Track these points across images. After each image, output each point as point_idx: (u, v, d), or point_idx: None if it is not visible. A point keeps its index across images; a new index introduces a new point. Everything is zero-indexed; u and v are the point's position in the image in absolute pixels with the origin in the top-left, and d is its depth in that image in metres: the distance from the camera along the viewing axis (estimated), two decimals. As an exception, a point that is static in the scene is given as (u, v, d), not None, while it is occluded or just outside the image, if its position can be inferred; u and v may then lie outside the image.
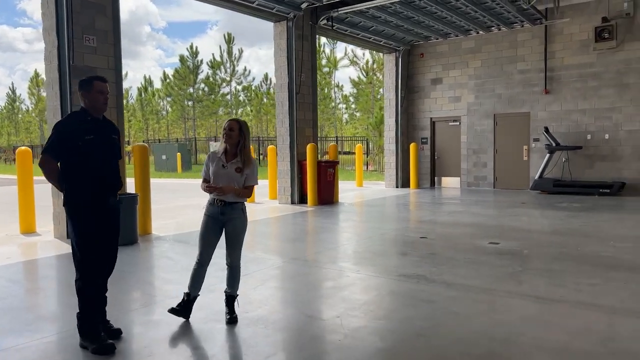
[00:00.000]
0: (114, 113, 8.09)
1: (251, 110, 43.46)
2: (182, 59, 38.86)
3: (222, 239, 3.98)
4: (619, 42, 12.63)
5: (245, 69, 43.24)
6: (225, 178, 3.88)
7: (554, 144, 13.32)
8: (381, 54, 17.91)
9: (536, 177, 13.62)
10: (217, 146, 4.05)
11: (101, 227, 3.57)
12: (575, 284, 4.76)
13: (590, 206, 10.62)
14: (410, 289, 4.73)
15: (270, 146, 13.82)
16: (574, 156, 13.55)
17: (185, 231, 8.23)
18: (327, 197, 11.83)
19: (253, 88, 42.91)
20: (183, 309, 3.97)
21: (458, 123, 15.66)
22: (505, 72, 14.63)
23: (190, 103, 38.84)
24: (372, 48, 15.62)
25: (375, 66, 33.78)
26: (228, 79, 38.85)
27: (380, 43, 15.10)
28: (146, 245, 7.20)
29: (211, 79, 38.18)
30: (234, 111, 41.12)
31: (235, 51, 38.40)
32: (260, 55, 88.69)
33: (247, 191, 4.03)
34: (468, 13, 12.81)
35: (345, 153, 27.11)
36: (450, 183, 16.01)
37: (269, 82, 42.67)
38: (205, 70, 39.61)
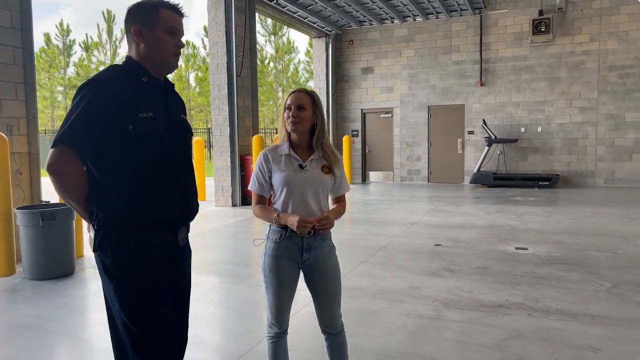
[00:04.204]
0: (21, 91, 5.77)
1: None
2: (47, 38, 33.48)
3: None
4: (553, 36, 12.80)
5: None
6: (309, 187, 2.31)
7: (493, 137, 13.18)
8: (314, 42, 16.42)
9: (475, 170, 13.39)
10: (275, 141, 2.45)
11: (170, 289, 1.84)
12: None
13: (547, 199, 10.47)
14: (535, 329, 3.55)
15: (197, 138, 11.76)
16: (508, 149, 13.56)
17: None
18: (275, 197, 10.24)
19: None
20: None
21: (390, 115, 14.95)
22: (440, 63, 14.20)
23: (61, 89, 33.64)
24: (303, 30, 14.21)
25: (276, 54, 32.30)
26: (108, 62, 34.29)
27: (314, 24, 13.77)
28: (88, 275, 5.12)
29: (86, 61, 33.40)
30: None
31: (116, 31, 34.03)
32: None
33: (344, 205, 2.51)
34: (416, -4, 12.03)
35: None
36: (382, 178, 15.28)
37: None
38: (78, 52, 34.42)
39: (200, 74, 33.99)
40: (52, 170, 1.72)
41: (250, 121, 10.70)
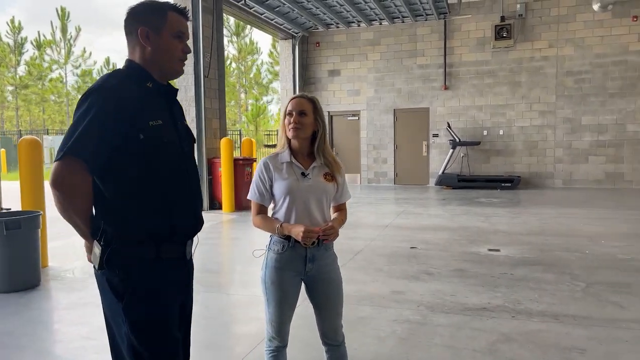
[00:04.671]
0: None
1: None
2: (-4, 35, 31.84)
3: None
4: (515, 42, 13.18)
5: (84, 51, 37.01)
6: (312, 195, 2.25)
7: (457, 140, 13.45)
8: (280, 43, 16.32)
9: (440, 172, 13.63)
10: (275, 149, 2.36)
11: (179, 305, 1.76)
12: (665, 300, 4.15)
13: (510, 200, 10.76)
14: (521, 331, 3.60)
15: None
16: (471, 151, 13.88)
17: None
18: (245, 201, 10.08)
19: (94, 74, 37.37)
20: None
21: (357, 118, 15.02)
22: (405, 67, 14.39)
23: (11, 88, 32.06)
24: (269, 32, 14.09)
25: (239, 55, 31.93)
26: (62, 61, 32.91)
27: (281, 26, 13.68)
28: (56, 287, 4.86)
29: (38, 60, 31.96)
30: (68, 99, 35.22)
31: (71, 29, 32.77)
32: (104, 42, 77.57)
33: (346, 214, 2.47)
34: (384, 0, 12.12)
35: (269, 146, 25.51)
36: (352, 180, 15.33)
37: (111, 67, 37.53)
38: (30, 50, 32.92)
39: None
40: (58, 184, 1.59)
41: (217, 123, 10.50)
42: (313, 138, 2.32)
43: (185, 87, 9.89)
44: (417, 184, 14.45)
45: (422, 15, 13.56)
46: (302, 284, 2.33)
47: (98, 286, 1.73)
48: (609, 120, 12.87)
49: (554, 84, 13.21)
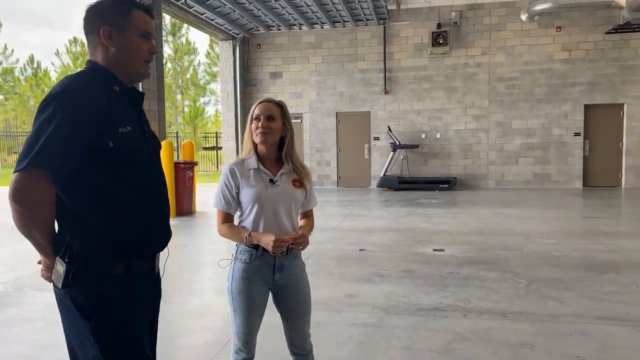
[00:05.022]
0: None
1: (6, 100, 35.23)
2: None
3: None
4: (450, 48, 13.70)
5: (5, 48, 34.43)
6: (281, 202, 2.20)
7: (397, 143, 13.79)
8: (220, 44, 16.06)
9: (381, 174, 13.91)
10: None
11: (148, 322, 1.66)
12: (605, 294, 4.44)
13: (449, 201, 11.16)
14: (473, 330, 3.72)
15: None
16: (411, 154, 14.27)
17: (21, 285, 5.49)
18: (186, 206, 9.80)
19: (16, 73, 34.93)
20: None
21: (300, 120, 15.03)
22: (346, 71, 14.58)
23: None
24: (209, 32, 13.80)
25: (175, 55, 31.01)
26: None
27: (222, 27, 13.44)
28: (-17, 303, 4.47)
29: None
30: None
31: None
32: (28, 40, 71.84)
33: (313, 220, 2.45)
34: (326, 3, 12.21)
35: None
36: (292, 183, 15.29)
37: (35, 65, 35.28)
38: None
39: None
40: (18, 198, 1.45)
41: (156, 125, 10.12)
42: (281, 143, 2.28)
43: (122, 87, 9.46)
44: (360, 186, 14.67)
45: (363, 20, 13.79)
46: (270, 293, 2.27)
47: (59, 307, 1.60)
48: (536, 124, 13.67)
49: (486, 90, 13.86)
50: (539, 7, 12.57)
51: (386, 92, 14.33)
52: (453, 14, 13.66)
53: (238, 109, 14.69)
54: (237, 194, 2.21)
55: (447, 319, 3.89)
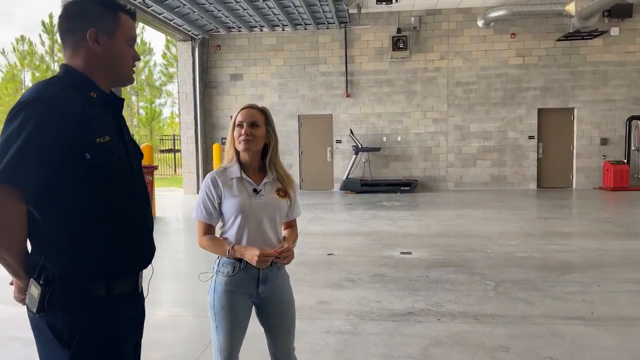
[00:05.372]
0: None
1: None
2: None
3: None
4: (410, 53, 13.90)
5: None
6: (265, 213, 2.12)
7: (360, 146, 13.86)
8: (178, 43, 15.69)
9: (344, 177, 13.95)
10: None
11: (132, 346, 1.55)
12: (569, 294, 4.57)
13: (411, 203, 11.30)
14: (448, 334, 3.73)
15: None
16: (372, 157, 14.38)
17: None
18: (146, 211, 9.47)
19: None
20: None
21: (261, 123, 14.85)
22: (308, 73, 14.54)
23: None
24: (168, 33, 13.45)
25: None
26: None
27: (181, 27, 13.12)
28: None
29: None
30: None
31: None
32: None
33: (297, 230, 2.38)
34: (288, 6, 12.12)
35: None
36: (254, 186, 15.11)
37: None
38: None
39: (37, 74, 30.26)
40: None
41: (114, 129, 9.76)
42: (264, 151, 2.19)
43: (76, 89, 9.06)
44: (323, 189, 14.65)
45: (324, 23, 13.80)
46: (253, 307, 2.18)
47: (34, 332, 1.46)
48: (493, 127, 14.06)
49: (445, 94, 14.14)
50: (494, 14, 12.96)
51: (348, 95, 14.38)
52: (412, 19, 13.87)
53: (197, 111, 14.38)
54: (219, 204, 2.11)
55: (422, 323, 3.89)
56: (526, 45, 13.75)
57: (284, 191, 2.20)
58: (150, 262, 1.66)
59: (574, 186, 13.95)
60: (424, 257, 6.13)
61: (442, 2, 13.34)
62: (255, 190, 2.12)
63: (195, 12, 12.11)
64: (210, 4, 11.67)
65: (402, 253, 6.39)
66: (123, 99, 1.66)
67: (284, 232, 2.29)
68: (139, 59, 1.64)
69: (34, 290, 1.42)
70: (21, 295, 1.49)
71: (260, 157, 2.20)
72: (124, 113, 1.66)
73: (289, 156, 14.77)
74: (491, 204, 11.00)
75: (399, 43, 13.71)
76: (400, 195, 12.97)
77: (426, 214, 9.65)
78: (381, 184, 13.86)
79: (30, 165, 1.35)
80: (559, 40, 13.41)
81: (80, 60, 1.52)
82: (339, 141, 14.57)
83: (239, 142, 2.12)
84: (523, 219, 8.97)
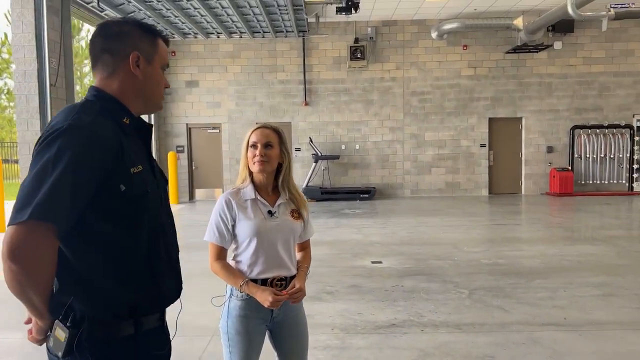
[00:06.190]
0: None
1: None
2: None
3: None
4: (367, 62, 14.12)
5: None
6: (280, 235, 2.09)
7: (319, 154, 13.91)
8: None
9: (304, 185, 13.93)
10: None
11: None
12: (540, 300, 4.76)
13: (371, 211, 11.44)
14: (434, 345, 3.78)
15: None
16: (332, 165, 14.46)
17: None
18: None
19: None
20: None
21: (218, 131, 14.64)
22: (266, 81, 14.47)
23: None
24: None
25: (75, 59, 28.69)
26: None
27: (135, 33, 12.71)
28: None
29: None
30: None
31: None
32: None
33: (310, 252, 2.36)
34: (247, 14, 12.02)
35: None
36: (210, 195, 14.83)
37: None
38: None
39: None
40: (17, 257, 1.22)
41: (67, 138, 9.31)
42: (277, 170, 2.16)
43: (26, 96, 8.59)
44: (281, 198, 14.56)
45: (283, 32, 13.78)
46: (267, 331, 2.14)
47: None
48: (447, 136, 14.50)
49: (401, 103, 14.46)
50: (447, 26, 13.42)
51: (306, 104, 14.42)
52: (369, 29, 14.10)
53: (152, 118, 13.95)
54: (233, 226, 2.06)
55: (407, 335, 3.94)
56: (477, 57, 14.29)
57: (297, 212, 2.17)
58: (179, 295, 1.59)
59: (523, 192, 14.59)
60: (395, 266, 6.21)
61: (398, 14, 13.65)
62: (270, 212, 2.08)
63: (150, 17, 11.79)
64: (167, 9, 11.40)
65: (373, 262, 6.45)
66: (152, 125, 1.59)
67: (298, 256, 2.26)
68: (168, 86, 1.59)
69: (61, 333, 1.32)
70: (39, 336, 1.39)
71: (274, 177, 2.16)
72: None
73: (247, 164, 14.60)
74: (448, 211, 11.31)
75: (356, 53, 13.90)
76: (360, 203, 13.11)
77: (389, 222, 9.80)
78: (341, 191, 13.95)
79: (66, 199, 1.26)
80: (507, 52, 14.03)
81: (115, 84, 1.45)
82: (298, 149, 14.56)
83: (254, 164, 2.08)
84: (481, 225, 9.29)
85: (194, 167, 14.76)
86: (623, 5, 11.08)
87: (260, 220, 2.05)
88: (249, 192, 2.09)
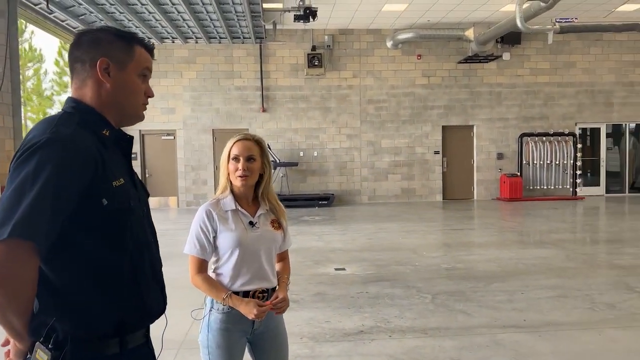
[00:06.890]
0: None
1: None
2: None
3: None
4: (325, 70, 14.23)
5: None
6: (262, 246, 2.08)
7: (277, 161, 13.86)
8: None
9: (261, 192, 13.82)
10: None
11: None
12: (499, 303, 4.92)
13: (331, 217, 11.51)
14: (403, 350, 3.83)
15: None
16: (290, 172, 14.44)
17: None
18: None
19: None
20: None
21: (173, 137, 14.33)
22: (223, 87, 14.31)
23: None
24: (69, 41, 12.50)
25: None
26: None
27: (86, 36, 12.28)
28: None
29: None
30: None
31: None
32: None
33: (289, 263, 2.35)
34: (204, 19, 11.86)
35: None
36: (164, 203, 14.48)
37: None
38: None
39: None
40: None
41: (11, 144, 8.83)
42: (257, 181, 2.14)
43: (-31, 100, 8.11)
44: (238, 205, 14.40)
45: (240, 38, 13.69)
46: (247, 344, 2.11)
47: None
48: (402, 143, 14.80)
49: (358, 111, 14.65)
50: (401, 36, 13.75)
51: (264, 110, 14.36)
52: (326, 37, 14.23)
53: (104, 125, 13.50)
54: (214, 238, 2.02)
55: (375, 341, 3.98)
56: (431, 67, 14.69)
57: (277, 222, 2.16)
58: (164, 311, 1.55)
59: (475, 197, 15.07)
60: (358, 273, 6.27)
61: (354, 23, 13.85)
62: (251, 223, 2.06)
63: (102, 20, 11.43)
64: (121, 12, 11.09)
65: (336, 269, 6.48)
66: (132, 137, 1.54)
67: (277, 266, 2.24)
68: (152, 95, 1.53)
69: (43, 355, 1.26)
70: (18, 359, 1.32)
71: (257, 188, 2.14)
72: None
73: (202, 171, 14.38)
74: (405, 217, 11.53)
75: (314, 60, 13.98)
76: (319, 210, 13.16)
77: (349, 228, 9.88)
78: (300, 198, 13.95)
79: (46, 215, 1.20)
80: (459, 62, 14.49)
81: (87, 93, 1.40)
82: (255, 156, 14.44)
83: (236, 178, 2.05)
84: (438, 231, 9.52)
85: (147, 175, 14.36)
86: (567, 20, 11.73)
87: (242, 231, 2.02)
88: (229, 202, 2.06)
